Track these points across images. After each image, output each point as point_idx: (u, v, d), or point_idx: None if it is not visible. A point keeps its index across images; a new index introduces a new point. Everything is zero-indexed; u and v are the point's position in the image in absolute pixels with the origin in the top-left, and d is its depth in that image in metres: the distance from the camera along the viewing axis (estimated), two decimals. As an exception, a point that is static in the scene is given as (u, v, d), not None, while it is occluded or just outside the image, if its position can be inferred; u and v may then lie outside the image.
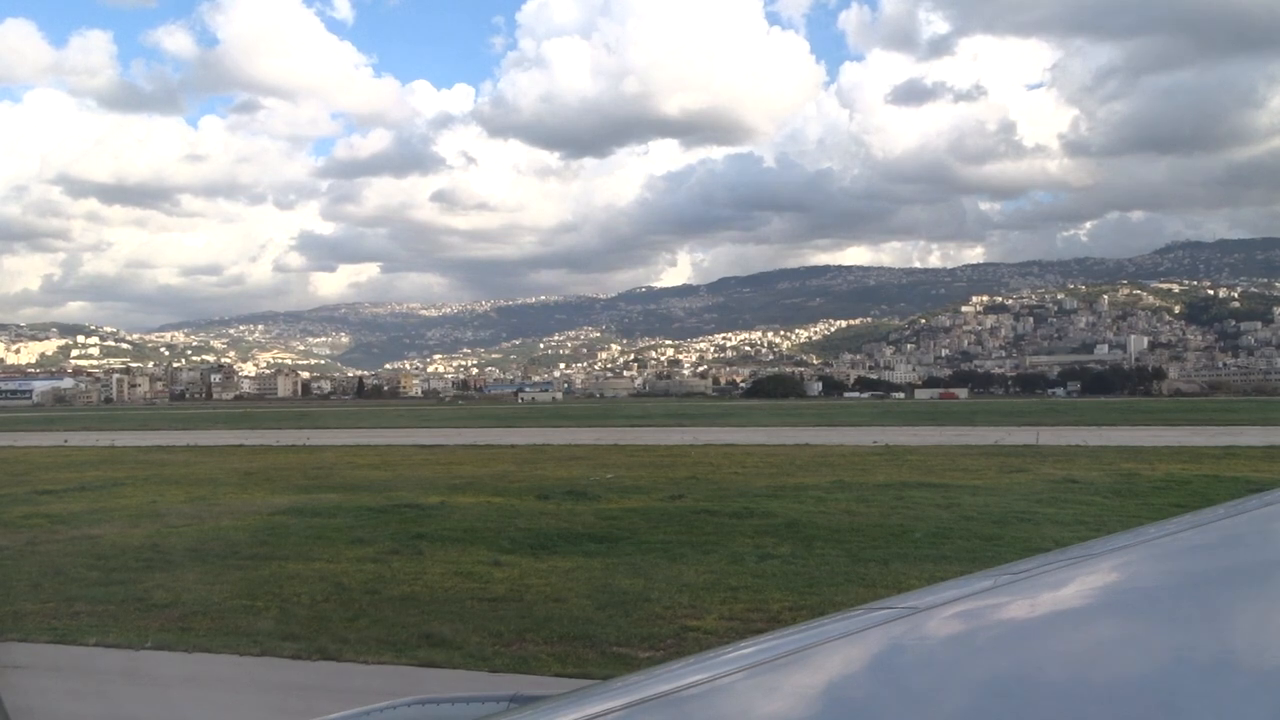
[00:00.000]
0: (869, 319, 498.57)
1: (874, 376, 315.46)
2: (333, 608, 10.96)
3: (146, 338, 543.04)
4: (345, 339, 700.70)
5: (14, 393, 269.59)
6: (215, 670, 8.91)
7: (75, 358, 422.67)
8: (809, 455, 34.24)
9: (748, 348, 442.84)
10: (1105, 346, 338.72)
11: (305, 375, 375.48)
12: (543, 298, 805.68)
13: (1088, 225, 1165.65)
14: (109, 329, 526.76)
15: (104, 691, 8.73)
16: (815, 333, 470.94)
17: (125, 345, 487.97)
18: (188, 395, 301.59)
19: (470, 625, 10.03)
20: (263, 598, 11.40)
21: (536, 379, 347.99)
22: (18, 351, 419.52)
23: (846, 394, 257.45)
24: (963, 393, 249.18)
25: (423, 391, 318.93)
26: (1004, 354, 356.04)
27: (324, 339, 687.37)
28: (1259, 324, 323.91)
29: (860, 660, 1.48)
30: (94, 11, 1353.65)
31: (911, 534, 15.35)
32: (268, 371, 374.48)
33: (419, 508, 19.59)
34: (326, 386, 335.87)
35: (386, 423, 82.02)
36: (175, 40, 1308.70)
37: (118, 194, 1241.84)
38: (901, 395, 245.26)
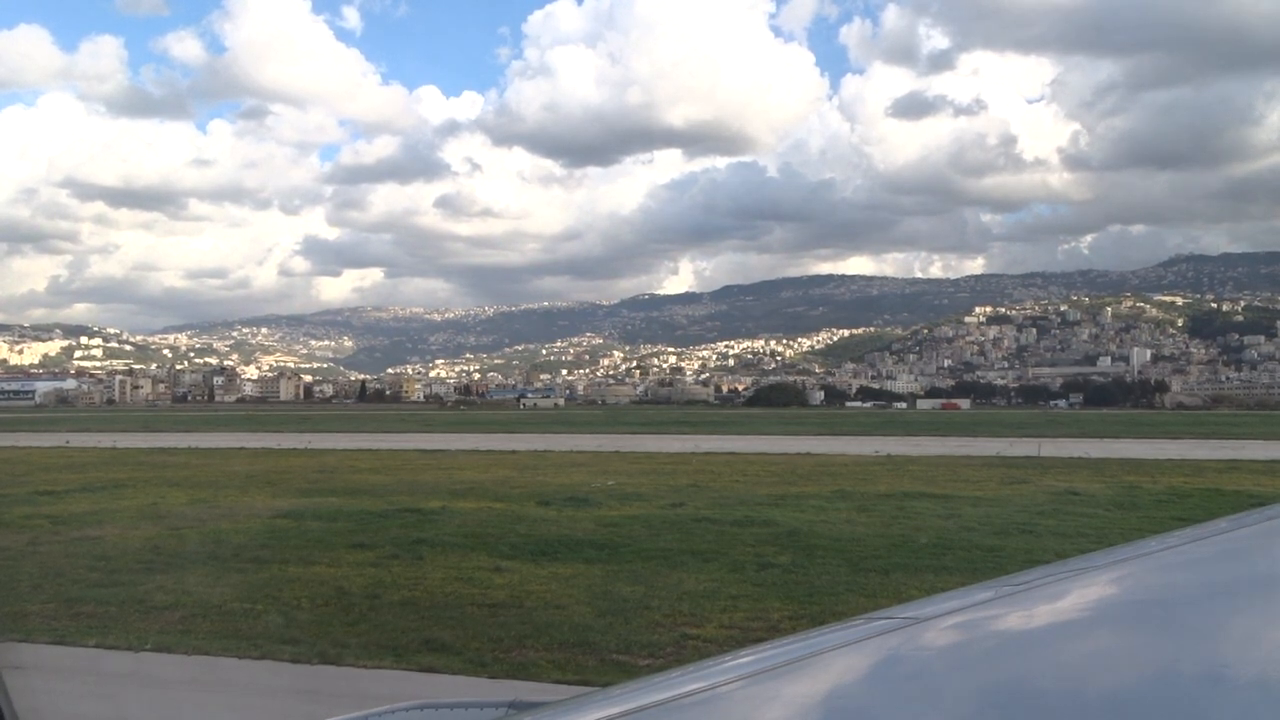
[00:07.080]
0: (872, 328, 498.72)
1: (876, 386, 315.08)
2: (333, 612, 10.96)
3: (150, 339, 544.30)
4: (348, 343, 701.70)
5: (17, 393, 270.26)
6: (215, 673, 8.90)
7: (78, 359, 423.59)
8: (810, 464, 34.17)
9: (750, 356, 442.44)
10: (1108, 359, 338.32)
11: (308, 378, 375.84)
12: (546, 304, 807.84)
13: (1088, 238, 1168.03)
14: (112, 330, 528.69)
15: (105, 693, 8.73)
16: (818, 342, 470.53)
17: (128, 347, 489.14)
18: (190, 397, 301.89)
19: (470, 631, 10.02)
20: (263, 601, 11.39)
21: (539, 385, 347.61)
22: (21, 352, 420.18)
23: (849, 403, 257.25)
24: (965, 403, 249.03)
25: (425, 396, 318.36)
26: (1006, 365, 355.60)
27: (327, 343, 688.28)
28: (1262, 338, 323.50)
29: (860, 670, 1.48)
30: (105, 17, 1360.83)
31: (914, 544, 15.31)
32: (270, 374, 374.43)
33: (420, 512, 19.55)
34: (329, 390, 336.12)
35: (388, 427, 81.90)
36: (185, 46, 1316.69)
37: (125, 197, 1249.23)
38: (904, 405, 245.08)
